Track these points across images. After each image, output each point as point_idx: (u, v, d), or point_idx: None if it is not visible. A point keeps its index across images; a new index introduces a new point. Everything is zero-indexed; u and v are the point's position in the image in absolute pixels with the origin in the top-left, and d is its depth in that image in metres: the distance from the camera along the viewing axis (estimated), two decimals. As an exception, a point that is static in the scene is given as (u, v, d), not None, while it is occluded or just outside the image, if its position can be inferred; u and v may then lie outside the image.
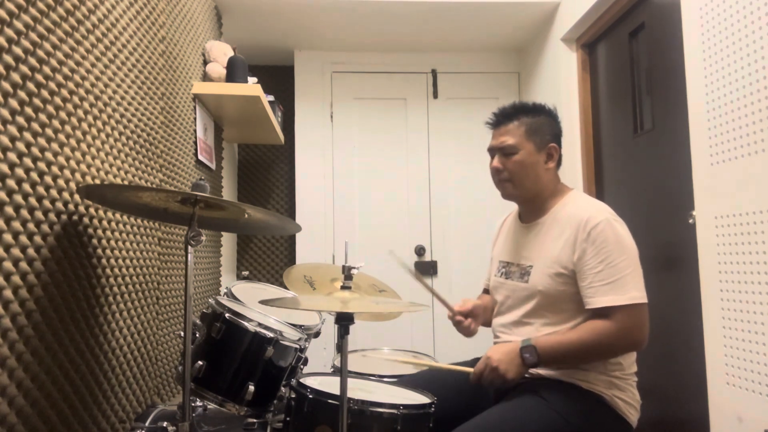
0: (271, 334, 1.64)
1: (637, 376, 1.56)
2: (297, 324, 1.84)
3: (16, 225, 1.15)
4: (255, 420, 1.64)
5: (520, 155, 1.60)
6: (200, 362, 1.58)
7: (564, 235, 1.54)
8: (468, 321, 1.74)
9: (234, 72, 2.59)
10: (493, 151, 1.66)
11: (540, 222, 1.63)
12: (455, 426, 1.41)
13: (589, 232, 1.49)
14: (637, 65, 2.51)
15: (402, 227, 3.49)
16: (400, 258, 1.81)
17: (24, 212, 1.17)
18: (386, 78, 3.58)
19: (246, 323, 1.63)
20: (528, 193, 1.64)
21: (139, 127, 1.80)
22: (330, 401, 1.38)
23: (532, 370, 1.54)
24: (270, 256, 3.64)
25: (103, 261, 1.53)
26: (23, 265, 1.16)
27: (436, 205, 3.52)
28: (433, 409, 1.43)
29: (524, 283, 1.60)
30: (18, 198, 1.15)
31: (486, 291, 1.91)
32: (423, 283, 1.76)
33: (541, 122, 1.64)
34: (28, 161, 1.19)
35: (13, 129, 1.13)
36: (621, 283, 1.44)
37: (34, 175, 1.21)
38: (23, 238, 1.17)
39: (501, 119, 1.66)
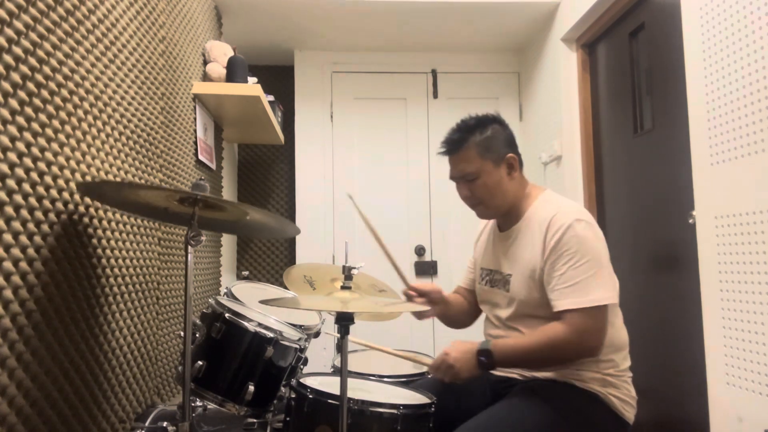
0: (271, 334, 1.64)
1: (631, 371, 1.56)
2: (297, 324, 1.84)
3: (16, 225, 1.15)
4: (255, 420, 1.64)
5: (482, 178, 1.59)
6: (200, 362, 1.58)
7: (534, 241, 1.54)
8: (419, 300, 1.71)
9: (234, 72, 2.59)
10: (455, 179, 1.65)
11: (515, 229, 1.63)
12: (455, 426, 1.41)
13: (553, 234, 1.48)
14: (637, 65, 2.51)
15: (402, 227, 3.49)
16: (358, 205, 1.79)
17: (24, 212, 1.17)
18: (386, 78, 3.58)
19: (246, 323, 1.63)
20: (501, 209, 1.63)
21: (139, 127, 1.80)
22: (330, 401, 1.39)
23: (528, 373, 1.56)
24: (270, 256, 3.64)
25: (103, 261, 1.53)
26: (23, 265, 1.16)
27: (436, 205, 3.52)
28: (432, 409, 1.43)
29: (506, 292, 1.61)
30: (18, 198, 1.15)
31: (465, 290, 1.87)
32: (375, 235, 1.70)
33: (491, 136, 1.60)
34: (28, 161, 1.19)
35: (13, 129, 1.13)
36: (582, 285, 1.42)
37: (34, 175, 1.21)
38: (23, 238, 1.16)
39: (452, 147, 1.64)
